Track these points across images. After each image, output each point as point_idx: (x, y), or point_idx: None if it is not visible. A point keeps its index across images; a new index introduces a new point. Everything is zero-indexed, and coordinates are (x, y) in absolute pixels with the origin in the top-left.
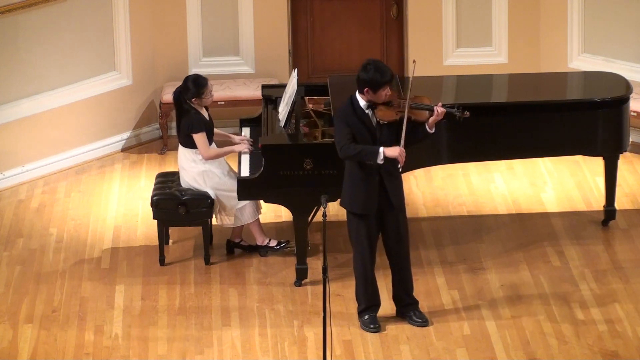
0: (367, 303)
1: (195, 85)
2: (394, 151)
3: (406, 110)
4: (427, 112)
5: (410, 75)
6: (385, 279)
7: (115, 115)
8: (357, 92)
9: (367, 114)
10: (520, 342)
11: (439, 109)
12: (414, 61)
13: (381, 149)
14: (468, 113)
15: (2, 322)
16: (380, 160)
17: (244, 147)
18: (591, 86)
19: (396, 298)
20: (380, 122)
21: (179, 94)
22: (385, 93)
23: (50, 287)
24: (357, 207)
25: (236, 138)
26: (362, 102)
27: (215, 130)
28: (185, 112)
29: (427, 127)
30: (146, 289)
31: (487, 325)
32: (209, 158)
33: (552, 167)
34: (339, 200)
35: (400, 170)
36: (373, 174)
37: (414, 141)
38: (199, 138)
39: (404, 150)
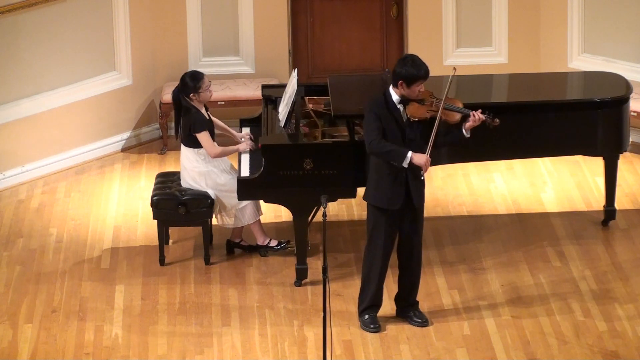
0: (371, 302)
1: (192, 80)
2: (420, 159)
3: (440, 111)
4: (458, 114)
5: (450, 77)
6: (385, 279)
7: (115, 115)
8: (390, 87)
9: (399, 109)
10: (520, 342)
11: (478, 115)
12: (455, 68)
13: (409, 154)
14: (498, 121)
15: (2, 322)
16: (405, 164)
17: (247, 145)
18: (591, 86)
19: (398, 298)
20: (411, 119)
21: (177, 93)
22: (419, 89)
23: (50, 287)
24: (382, 201)
25: (239, 136)
26: (395, 97)
27: (218, 122)
28: (186, 111)
29: (464, 131)
30: (146, 289)
31: (487, 325)
32: (215, 156)
33: (552, 167)
34: (338, 200)
35: (422, 177)
36: (400, 171)
37: (445, 144)
38: (203, 137)
39: (430, 159)
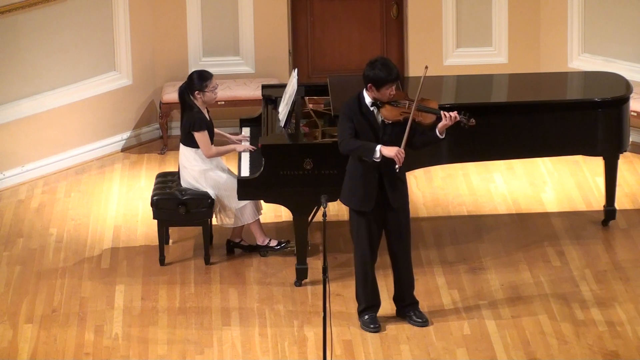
0: (367, 303)
1: (199, 78)
2: (390, 150)
3: (412, 112)
4: (433, 115)
5: (421, 77)
6: (385, 279)
7: (115, 115)
8: (364, 89)
9: (372, 111)
10: (520, 342)
11: (451, 115)
12: (427, 67)
13: (378, 147)
14: (474, 121)
15: (2, 322)
16: (376, 157)
17: (245, 147)
18: (591, 86)
19: (396, 298)
20: (385, 121)
21: (183, 90)
22: (390, 92)
23: (50, 287)
24: (355, 203)
25: (234, 138)
26: (368, 99)
27: (218, 131)
28: (188, 109)
29: (437, 132)
30: (146, 289)
31: (487, 325)
32: (210, 156)
33: (552, 167)
34: (339, 200)
35: (397, 170)
36: (372, 172)
37: (421, 145)
38: (201, 136)
39: (403, 151)
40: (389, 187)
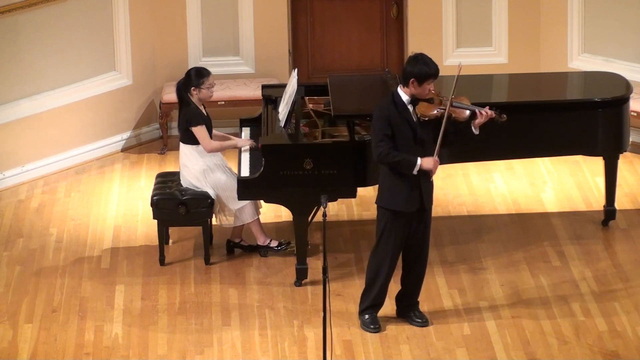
0: (373, 302)
1: (196, 75)
2: (429, 163)
3: (447, 108)
4: (467, 111)
5: (455, 75)
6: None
7: (115, 115)
8: (399, 87)
9: (409, 109)
10: (520, 342)
11: (487, 112)
12: (460, 63)
13: (419, 161)
14: (505, 117)
15: (2, 322)
16: (415, 172)
17: (247, 142)
18: (591, 86)
19: (400, 298)
20: (421, 118)
21: (181, 86)
22: (430, 87)
23: (50, 287)
24: (398, 204)
25: (240, 141)
26: (404, 97)
27: (219, 133)
28: (185, 105)
29: (472, 128)
30: (146, 289)
31: (487, 325)
32: (211, 150)
33: (552, 167)
34: (338, 200)
35: (431, 179)
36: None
37: (455, 142)
38: (199, 131)
39: (438, 161)
40: (424, 189)
